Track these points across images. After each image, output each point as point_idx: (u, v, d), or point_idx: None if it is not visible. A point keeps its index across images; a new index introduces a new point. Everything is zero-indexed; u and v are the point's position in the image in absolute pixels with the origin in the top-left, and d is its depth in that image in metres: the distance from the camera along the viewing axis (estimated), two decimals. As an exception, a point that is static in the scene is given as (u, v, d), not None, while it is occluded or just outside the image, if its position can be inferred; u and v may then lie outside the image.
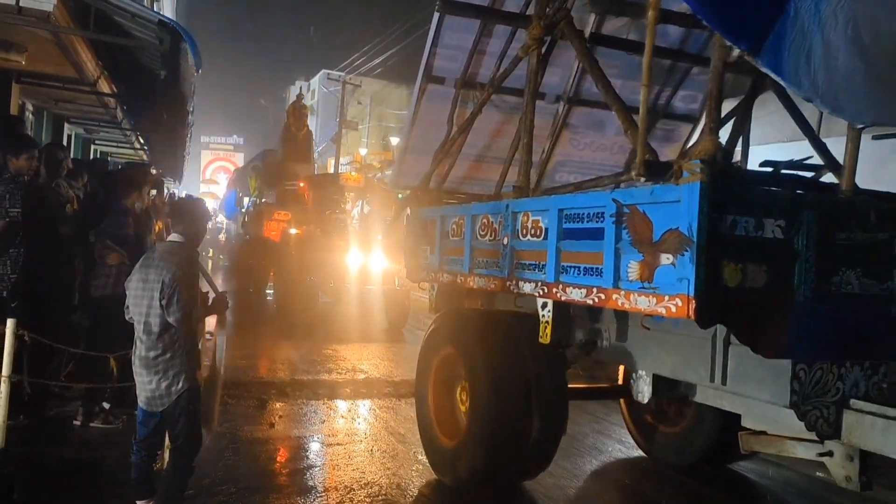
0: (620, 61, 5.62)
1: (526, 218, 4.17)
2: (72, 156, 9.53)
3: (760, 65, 2.82)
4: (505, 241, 4.34)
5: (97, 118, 12.15)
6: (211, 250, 22.85)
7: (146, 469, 3.89)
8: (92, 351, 5.31)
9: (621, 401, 5.81)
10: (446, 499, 4.83)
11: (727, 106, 6.04)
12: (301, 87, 18.98)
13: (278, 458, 5.44)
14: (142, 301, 3.71)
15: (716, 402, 3.83)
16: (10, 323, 4.49)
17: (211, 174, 40.98)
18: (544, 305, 4.02)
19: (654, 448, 5.57)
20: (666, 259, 3.00)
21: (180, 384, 3.70)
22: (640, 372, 4.03)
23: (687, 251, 2.86)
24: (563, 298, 3.75)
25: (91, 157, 15.79)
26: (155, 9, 13.79)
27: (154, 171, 16.18)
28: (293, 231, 13.17)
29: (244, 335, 10.38)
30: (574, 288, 3.62)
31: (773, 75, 2.85)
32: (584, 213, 3.59)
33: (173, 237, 3.95)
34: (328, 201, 13.38)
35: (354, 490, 4.75)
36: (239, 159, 39.16)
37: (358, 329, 11.53)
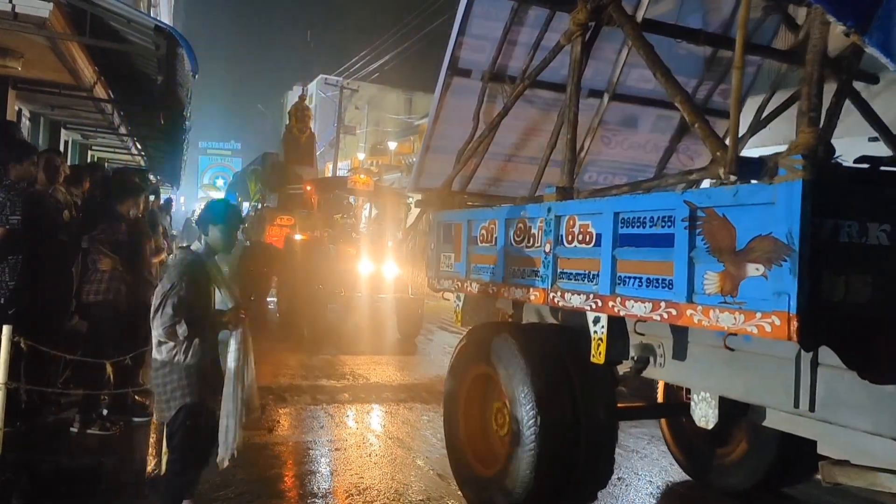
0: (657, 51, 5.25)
1: (572, 222, 3.79)
2: (69, 161, 9.33)
3: (867, 44, 2.44)
4: (547, 248, 3.95)
5: (94, 124, 12.09)
6: None
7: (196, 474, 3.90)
8: (88, 357, 5.30)
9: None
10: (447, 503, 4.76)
11: (752, 103, 5.79)
12: (304, 89, 18.39)
13: (276, 464, 5.34)
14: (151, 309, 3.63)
15: (789, 427, 3.37)
16: (5, 329, 4.42)
17: (209, 179, 40.62)
18: (597, 320, 3.61)
19: (700, 469, 5.13)
20: (754, 270, 2.61)
21: (178, 399, 3.58)
22: (703, 394, 3.55)
23: (785, 261, 2.46)
24: (621, 313, 3.34)
25: (88, 162, 15.48)
26: (151, 14, 13.65)
27: (151, 177, 16.00)
28: (298, 237, 12.53)
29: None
30: (636, 301, 3.21)
31: (881, 57, 2.46)
32: (646, 217, 3.19)
33: (194, 245, 3.84)
34: (336, 205, 12.86)
35: (353, 495, 4.74)
36: (237, 164, 38.79)
37: (368, 340, 10.99)
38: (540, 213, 4.07)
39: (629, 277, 3.31)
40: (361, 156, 38.89)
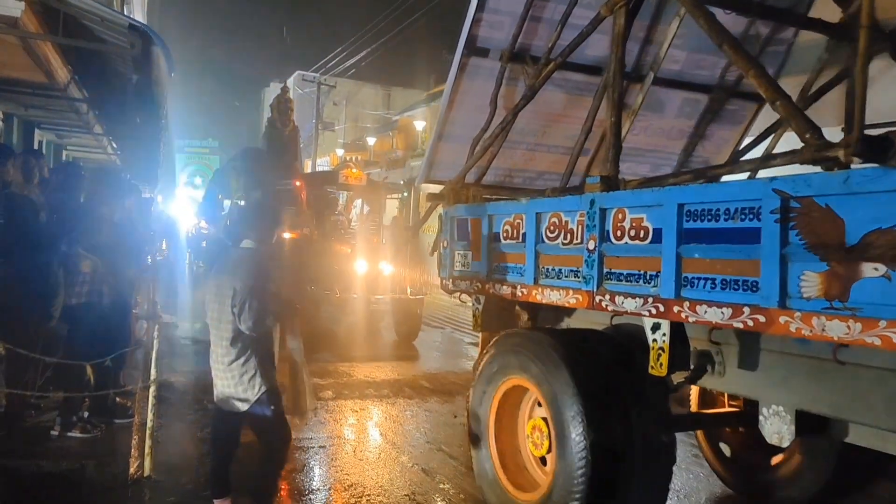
0: (686, 29, 4.80)
1: (621, 216, 3.37)
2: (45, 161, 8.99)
3: None
4: (590, 245, 3.52)
5: (68, 123, 11.80)
6: (188, 254, 21.89)
7: (225, 468, 4.02)
8: (69, 359, 5.29)
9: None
10: (430, 500, 4.77)
11: (790, 82, 5.44)
12: (285, 81, 17.70)
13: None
14: (215, 307, 3.81)
15: (876, 444, 3.00)
16: None
17: (188, 178, 39.86)
18: (656, 327, 3.20)
19: (745, 482, 4.70)
20: (872, 270, 2.23)
21: (257, 387, 3.79)
22: (775, 408, 3.12)
23: (920, 260, 2.07)
24: (690, 320, 2.93)
25: (63, 162, 15.06)
26: (125, 12, 13.26)
27: (128, 177, 15.55)
28: (287, 235, 11.92)
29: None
30: (709, 306, 2.80)
31: None
32: (721, 209, 2.78)
33: (246, 244, 3.99)
34: (326, 202, 12.18)
35: (338, 492, 4.80)
36: (215, 162, 38.05)
37: (363, 344, 10.48)
38: (580, 206, 3.62)
39: (699, 278, 2.90)
40: (340, 152, 38.38)
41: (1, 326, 4.75)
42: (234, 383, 3.80)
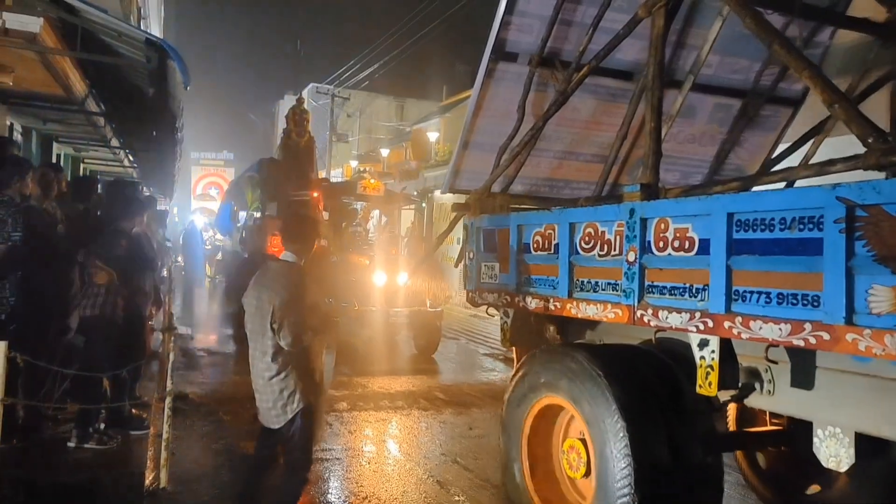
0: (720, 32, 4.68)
1: (663, 226, 3.20)
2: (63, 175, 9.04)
3: None
4: (630, 256, 3.35)
5: (86, 137, 11.88)
6: (208, 268, 21.77)
7: (258, 481, 4.01)
8: (85, 371, 5.29)
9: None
10: None
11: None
12: (301, 93, 17.39)
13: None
14: (255, 321, 3.80)
15: None
16: (1, 346, 4.35)
17: (202, 190, 40.05)
18: (704, 343, 3.02)
19: (786, 502, 4.50)
20: (950, 283, 2.05)
21: (295, 403, 3.76)
22: (832, 429, 2.93)
23: None
24: (743, 336, 2.75)
25: (80, 175, 15.16)
26: (142, 27, 13.38)
27: (145, 191, 15.57)
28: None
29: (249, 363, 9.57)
30: (764, 322, 2.63)
31: None
32: (776, 219, 2.61)
33: (286, 256, 3.97)
34: (344, 212, 11.90)
35: (352, 503, 4.78)
36: (230, 175, 38.22)
37: (381, 358, 10.07)
38: (619, 216, 3.46)
39: (751, 292, 2.72)
40: (354, 163, 38.42)
41: (19, 338, 4.72)
42: (274, 398, 3.77)
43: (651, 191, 3.40)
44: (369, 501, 4.81)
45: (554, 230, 3.98)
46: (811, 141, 5.05)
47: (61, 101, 8.47)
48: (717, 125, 5.54)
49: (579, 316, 3.78)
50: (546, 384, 3.83)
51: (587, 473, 3.54)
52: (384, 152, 36.49)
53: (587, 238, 3.72)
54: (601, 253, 3.62)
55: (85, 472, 4.92)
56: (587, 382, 3.45)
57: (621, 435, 3.22)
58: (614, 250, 3.50)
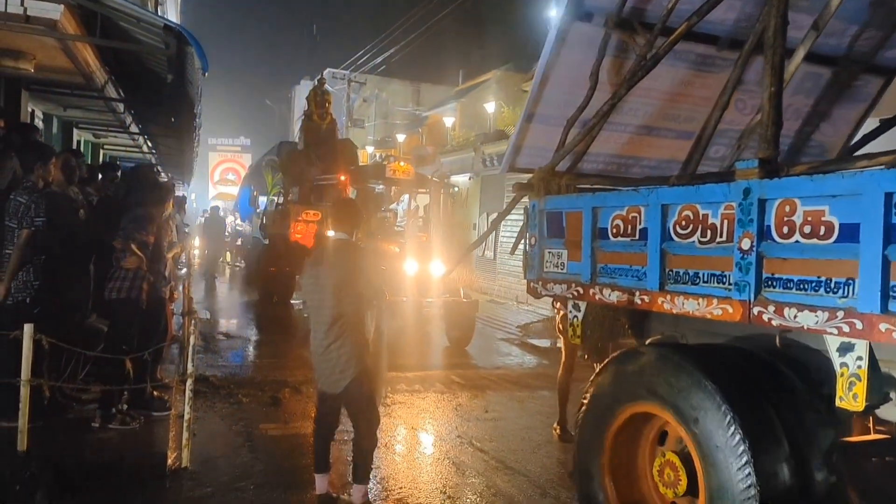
0: None
1: (788, 208, 2.78)
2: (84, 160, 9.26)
3: None
4: (744, 244, 2.92)
5: (105, 123, 12.00)
6: (228, 254, 21.84)
7: (325, 445, 4.36)
8: (108, 353, 5.42)
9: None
10: (462, 492, 4.85)
11: None
12: (321, 74, 16.75)
13: (293, 455, 5.40)
14: (315, 296, 4.16)
15: None
16: (27, 328, 4.55)
17: (220, 176, 40.41)
18: (846, 348, 2.61)
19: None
20: None
21: (352, 369, 4.07)
22: None
23: None
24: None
25: (101, 161, 15.41)
26: (159, 13, 13.50)
27: (164, 176, 15.77)
28: (330, 234, 11.40)
29: (268, 347, 9.82)
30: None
31: None
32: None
33: (339, 235, 4.33)
34: (372, 197, 11.35)
35: (370, 484, 4.74)
36: (247, 160, 38.52)
37: (411, 350, 9.37)
38: (728, 197, 3.00)
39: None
40: (370, 149, 38.56)
41: (45, 321, 4.87)
42: (332, 366, 4.10)
43: (771, 167, 2.94)
44: (386, 482, 4.92)
45: (640, 213, 3.53)
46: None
47: (81, 88, 8.62)
48: (803, 96, 4.92)
49: (674, 311, 3.32)
50: (637, 391, 3.43)
51: (688, 492, 3.25)
52: (400, 138, 36.57)
53: (684, 222, 3.27)
54: (703, 239, 3.17)
55: (109, 452, 5.10)
56: (695, 391, 3.05)
57: (741, 454, 2.87)
58: (720, 236, 3.07)
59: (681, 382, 3.15)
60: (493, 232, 15.29)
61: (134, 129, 12.76)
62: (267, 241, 14.79)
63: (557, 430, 6.16)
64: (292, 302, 13.58)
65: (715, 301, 3.07)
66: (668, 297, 3.32)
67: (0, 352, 4.97)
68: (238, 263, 21.55)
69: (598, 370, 3.76)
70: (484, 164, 21.58)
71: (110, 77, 9.02)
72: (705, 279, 3.17)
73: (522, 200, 4.72)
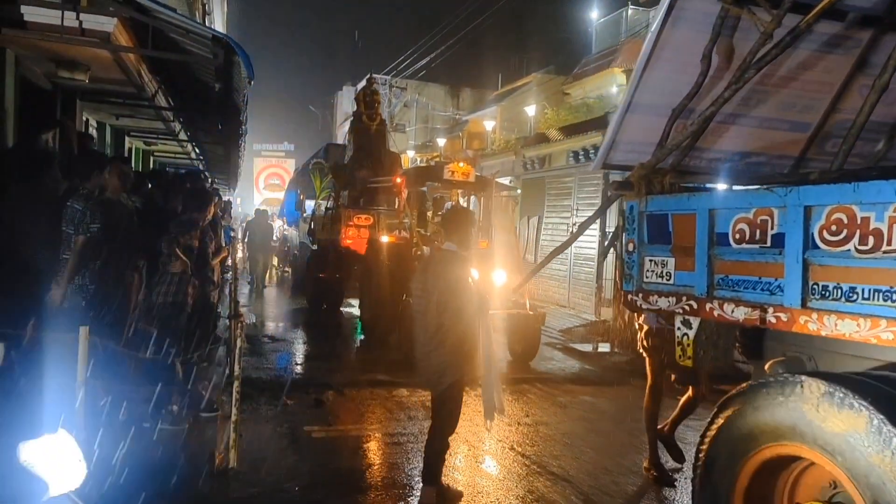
0: None
1: None
2: (133, 167, 9.57)
3: None
4: None
5: (156, 131, 12.25)
6: (276, 259, 21.65)
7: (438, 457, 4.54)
8: (158, 355, 5.53)
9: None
10: (504, 496, 4.83)
11: None
12: (370, 73, 16.06)
13: (338, 457, 5.51)
14: (421, 302, 4.41)
15: None
16: (82, 331, 4.56)
17: (265, 181, 41.12)
18: None
19: None
20: None
21: (448, 376, 4.32)
22: None
23: None
24: None
25: (151, 168, 15.82)
26: (206, 23, 13.80)
27: (210, 182, 16.04)
28: (385, 239, 10.58)
29: (313, 350, 9.88)
30: None
31: None
32: None
33: (448, 246, 4.56)
34: (426, 201, 10.85)
35: (411, 487, 4.84)
36: (290, 166, 39.16)
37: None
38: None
39: None
40: (411, 153, 38.80)
41: (97, 324, 4.99)
42: (432, 370, 4.36)
43: None
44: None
45: (772, 216, 3.06)
46: None
47: (133, 97, 8.86)
48: None
49: (822, 333, 2.86)
50: (780, 428, 2.87)
51: None
52: (440, 142, 36.72)
53: (834, 227, 2.81)
54: (862, 248, 2.72)
55: (159, 451, 5.16)
56: (873, 435, 2.50)
57: None
58: (888, 244, 2.63)
59: (849, 423, 2.58)
60: (537, 236, 15.11)
61: (182, 136, 13.05)
62: (315, 247, 14.41)
63: (652, 472, 5.29)
64: (342, 310, 13.37)
65: (883, 323, 2.62)
66: (814, 315, 2.88)
67: (57, 353, 5.11)
68: (286, 269, 21.25)
69: (728, 400, 3.16)
70: (525, 167, 21.50)
71: (160, 86, 9.29)
72: (866, 295, 2.72)
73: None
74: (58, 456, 1.63)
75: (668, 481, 5.20)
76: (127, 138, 13.06)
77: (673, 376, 5.05)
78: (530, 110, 25.34)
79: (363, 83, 14.58)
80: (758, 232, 3.15)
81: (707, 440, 3.22)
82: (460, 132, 36.56)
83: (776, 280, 3.04)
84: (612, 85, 24.28)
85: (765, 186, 3.35)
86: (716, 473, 3.17)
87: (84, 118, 9.93)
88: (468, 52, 36.25)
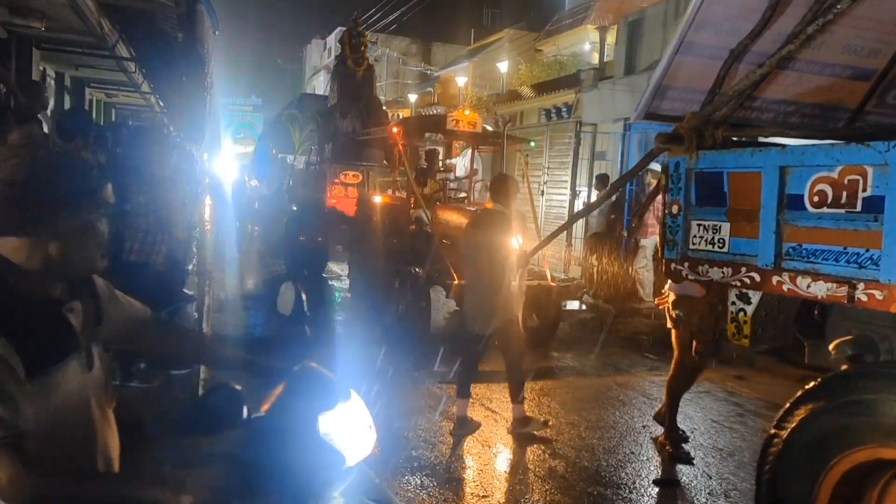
0: None
1: None
2: (95, 120, 9.33)
3: None
4: None
5: (117, 82, 11.87)
6: (248, 224, 20.37)
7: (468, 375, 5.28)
8: None
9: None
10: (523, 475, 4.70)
11: None
12: (328, 38, 15.16)
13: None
14: (471, 254, 5.23)
15: None
16: None
17: (232, 136, 40.36)
18: None
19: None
20: None
21: (498, 318, 5.00)
22: None
23: None
24: None
25: (116, 121, 15.47)
26: None
27: (171, 133, 15.53)
28: (377, 199, 9.13)
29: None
30: None
31: None
32: None
33: (497, 206, 5.28)
34: (429, 155, 9.50)
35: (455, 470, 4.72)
36: (258, 120, 38.40)
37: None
38: None
39: None
40: (413, 97, 38.13)
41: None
42: (484, 314, 5.02)
43: None
44: (447, 473, 4.63)
45: (865, 176, 2.59)
46: None
47: (92, 47, 8.66)
48: None
49: None
50: (867, 431, 2.55)
51: None
52: (412, 97, 36.30)
53: None
54: None
55: (130, 409, 5.19)
56: None
57: None
58: None
59: None
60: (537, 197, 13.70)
61: (146, 88, 12.71)
62: (295, 207, 12.79)
63: (668, 448, 4.94)
64: (324, 276, 11.98)
65: None
66: None
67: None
68: (255, 228, 19.93)
69: (804, 394, 2.82)
70: (496, 124, 21.37)
71: (121, 36, 9.00)
72: None
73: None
74: (351, 424, 1.55)
75: (684, 458, 4.87)
76: (87, 89, 12.72)
77: (696, 346, 4.22)
78: (503, 67, 25.10)
79: (337, 31, 14.01)
80: (844, 194, 2.67)
81: (790, 427, 2.80)
82: (431, 88, 36.15)
83: (868, 251, 2.59)
84: (585, 42, 24.11)
85: (857, 142, 2.76)
86: (799, 468, 2.80)
87: (41, 68, 9.66)
88: (439, 5, 35.64)
